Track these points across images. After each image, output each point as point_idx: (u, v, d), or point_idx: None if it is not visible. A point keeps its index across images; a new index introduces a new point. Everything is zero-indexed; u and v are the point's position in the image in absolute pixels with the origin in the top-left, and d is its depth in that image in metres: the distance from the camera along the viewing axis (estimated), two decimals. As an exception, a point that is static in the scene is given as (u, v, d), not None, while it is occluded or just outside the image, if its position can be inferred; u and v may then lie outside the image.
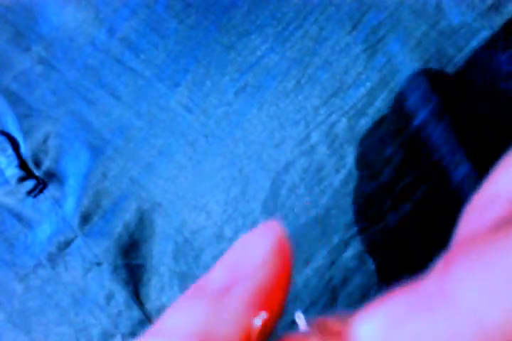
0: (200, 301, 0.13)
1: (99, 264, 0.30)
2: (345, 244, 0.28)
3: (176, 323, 0.13)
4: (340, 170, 0.29)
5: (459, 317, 0.10)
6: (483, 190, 0.14)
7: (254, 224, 0.29)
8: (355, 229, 0.28)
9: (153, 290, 0.30)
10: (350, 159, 0.29)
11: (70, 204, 0.31)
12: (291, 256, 0.13)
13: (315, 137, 0.29)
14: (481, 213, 0.13)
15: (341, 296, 0.28)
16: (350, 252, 0.28)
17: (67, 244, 0.31)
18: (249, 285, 0.13)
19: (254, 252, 0.13)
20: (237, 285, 0.13)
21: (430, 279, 0.12)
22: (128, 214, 0.30)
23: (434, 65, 0.29)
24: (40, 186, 0.31)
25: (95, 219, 0.31)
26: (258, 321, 0.12)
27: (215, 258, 0.29)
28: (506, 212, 0.12)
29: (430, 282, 0.12)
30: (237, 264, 0.13)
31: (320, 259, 0.29)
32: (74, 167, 0.31)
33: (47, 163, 0.31)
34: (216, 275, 0.14)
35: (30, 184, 0.31)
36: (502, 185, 0.13)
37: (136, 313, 0.30)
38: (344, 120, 0.29)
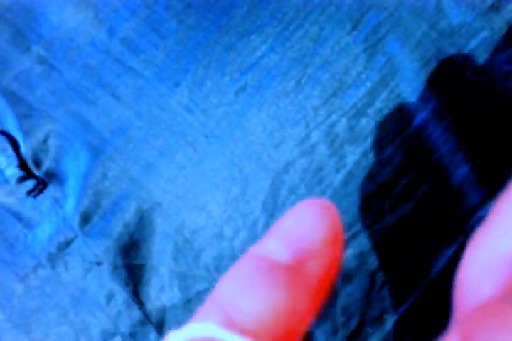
0: (275, 273, 0.13)
1: (99, 264, 0.30)
2: (346, 244, 0.28)
3: (240, 293, 0.13)
4: (340, 170, 0.29)
5: None
6: (482, 246, 0.13)
7: (254, 224, 0.29)
8: (355, 229, 0.28)
9: (153, 290, 0.30)
10: (350, 159, 0.29)
11: (70, 204, 0.31)
12: (343, 237, 0.14)
13: (315, 137, 0.29)
14: (483, 277, 0.13)
15: (341, 296, 0.28)
16: (350, 252, 0.28)
17: (67, 243, 0.31)
18: (322, 262, 0.13)
19: (314, 226, 0.14)
20: (311, 259, 0.13)
21: None
22: (128, 214, 0.30)
23: (434, 65, 0.29)
24: (40, 186, 0.31)
25: (95, 219, 0.31)
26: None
27: (215, 258, 0.29)
28: None
29: None
30: (299, 238, 0.14)
31: (320, 259, 0.29)
32: (74, 167, 0.31)
33: (47, 163, 0.31)
34: (277, 248, 0.14)
35: (30, 184, 0.31)
36: (502, 243, 0.13)
37: (136, 313, 0.30)
38: (344, 120, 0.29)
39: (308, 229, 0.14)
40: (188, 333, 0.13)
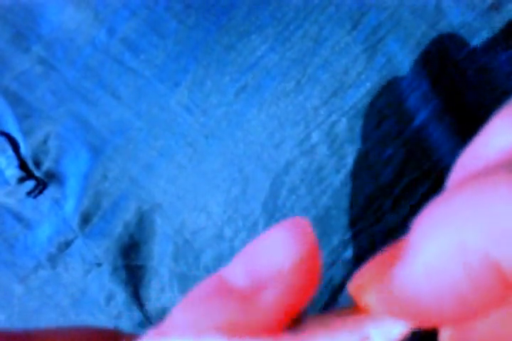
0: (227, 299, 0.13)
1: (99, 265, 0.30)
2: (345, 244, 0.28)
3: (192, 318, 0.13)
4: (340, 170, 0.29)
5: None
6: (478, 139, 0.15)
7: (254, 224, 0.29)
8: (355, 229, 0.28)
9: (153, 291, 0.30)
10: (350, 159, 0.29)
11: (70, 205, 0.31)
12: (320, 257, 0.13)
13: (315, 137, 0.29)
14: (472, 162, 0.14)
15: (341, 296, 0.28)
16: (350, 252, 0.28)
17: (67, 244, 0.31)
18: (281, 289, 0.13)
19: (281, 251, 0.13)
20: (268, 287, 0.13)
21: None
22: (128, 215, 0.30)
23: (434, 65, 0.29)
24: (40, 187, 0.31)
25: (95, 219, 0.31)
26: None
27: (215, 259, 0.29)
28: (496, 160, 0.13)
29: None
30: (263, 263, 0.13)
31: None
32: (74, 167, 0.31)
33: (47, 164, 0.31)
34: (238, 272, 0.13)
35: (30, 184, 0.31)
36: (496, 135, 0.14)
37: (136, 314, 0.30)
38: (344, 120, 0.29)
39: (273, 254, 0.13)
40: None
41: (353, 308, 0.14)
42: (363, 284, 0.14)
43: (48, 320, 0.31)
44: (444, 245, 0.12)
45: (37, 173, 0.31)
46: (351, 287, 0.14)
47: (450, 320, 0.13)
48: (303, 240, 0.13)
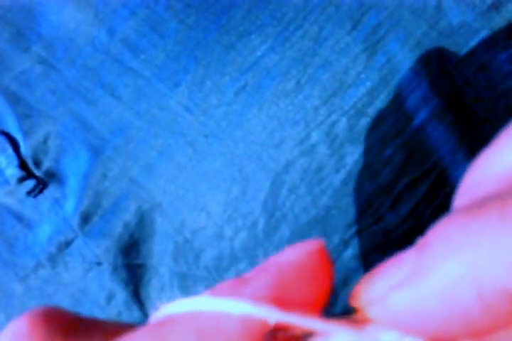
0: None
1: (99, 264, 0.30)
2: (345, 244, 0.28)
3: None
4: (340, 170, 0.29)
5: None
6: (479, 165, 0.15)
7: (254, 224, 0.29)
8: (355, 229, 0.28)
9: (153, 291, 0.30)
10: (350, 159, 0.29)
11: (70, 205, 0.31)
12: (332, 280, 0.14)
13: (315, 137, 0.29)
14: (474, 188, 0.14)
15: (341, 296, 0.28)
16: (350, 252, 0.28)
17: (68, 244, 0.31)
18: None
19: (302, 275, 0.13)
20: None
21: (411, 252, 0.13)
22: (128, 214, 0.30)
23: (434, 64, 0.29)
24: (40, 186, 0.31)
25: (95, 219, 0.31)
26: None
27: (215, 258, 0.29)
28: (499, 186, 0.13)
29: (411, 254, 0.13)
30: (284, 283, 0.13)
31: (320, 259, 0.29)
32: (74, 167, 0.31)
33: (47, 163, 0.31)
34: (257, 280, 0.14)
35: (30, 184, 0.31)
36: (497, 161, 0.14)
37: (136, 313, 0.30)
38: (344, 120, 0.29)
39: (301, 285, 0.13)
40: (181, 306, 0.13)
41: (355, 315, 0.14)
42: (366, 298, 0.13)
43: (48, 319, 0.31)
44: (458, 272, 0.12)
45: (37, 173, 0.31)
46: (353, 298, 0.14)
47: (456, 337, 0.13)
48: (321, 264, 0.13)
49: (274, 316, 0.12)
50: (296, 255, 0.13)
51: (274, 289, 0.13)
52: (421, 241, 0.13)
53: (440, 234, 0.13)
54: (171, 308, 0.14)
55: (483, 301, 0.11)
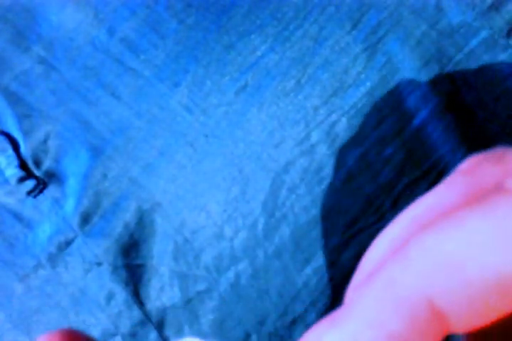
0: None
1: (99, 264, 0.30)
2: (345, 244, 0.28)
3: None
4: (340, 170, 0.29)
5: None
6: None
7: (254, 223, 0.29)
8: (355, 229, 0.28)
9: (153, 290, 0.30)
10: (350, 159, 0.29)
11: (70, 205, 0.31)
12: None
13: (315, 137, 0.29)
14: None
15: (341, 296, 0.28)
16: (350, 252, 0.28)
17: (68, 244, 0.31)
18: None
19: None
20: None
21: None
22: (128, 214, 0.30)
23: (434, 64, 0.29)
24: (40, 186, 0.31)
25: (95, 219, 0.31)
26: None
27: (215, 258, 0.29)
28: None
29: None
30: None
31: (320, 259, 0.29)
32: (74, 167, 0.31)
33: (47, 163, 0.31)
34: None
35: (30, 184, 0.31)
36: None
37: (136, 313, 0.30)
38: (344, 120, 0.29)
39: None
40: None
41: None
42: None
43: (47, 319, 0.31)
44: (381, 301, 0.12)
45: (37, 173, 0.31)
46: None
47: None
48: None
49: None
50: None
51: None
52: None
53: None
54: None
55: (414, 323, 0.12)
